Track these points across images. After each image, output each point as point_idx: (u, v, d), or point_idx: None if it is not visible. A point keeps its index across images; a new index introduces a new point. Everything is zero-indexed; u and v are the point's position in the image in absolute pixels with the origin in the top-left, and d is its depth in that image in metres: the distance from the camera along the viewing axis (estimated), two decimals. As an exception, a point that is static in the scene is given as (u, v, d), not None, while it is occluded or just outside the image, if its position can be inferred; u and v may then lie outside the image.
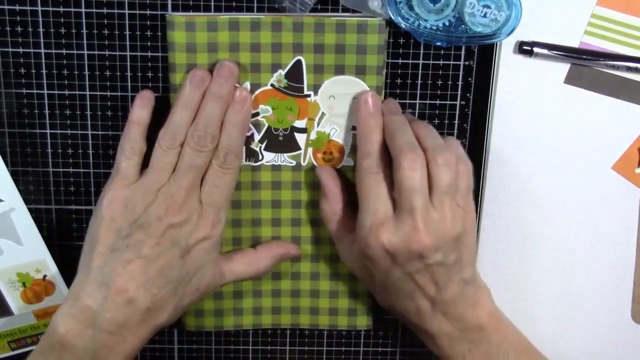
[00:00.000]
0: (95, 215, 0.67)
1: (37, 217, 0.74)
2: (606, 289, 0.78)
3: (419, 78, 0.71)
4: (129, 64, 0.70)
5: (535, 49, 0.69)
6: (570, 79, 0.71)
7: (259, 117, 0.70)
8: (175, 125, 0.66)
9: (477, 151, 0.73)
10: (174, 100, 0.68)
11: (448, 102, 0.72)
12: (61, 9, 0.68)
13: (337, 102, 0.70)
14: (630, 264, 0.77)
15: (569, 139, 0.73)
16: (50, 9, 0.68)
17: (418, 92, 0.71)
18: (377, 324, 0.78)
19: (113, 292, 0.65)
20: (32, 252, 0.73)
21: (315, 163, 0.72)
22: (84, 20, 0.69)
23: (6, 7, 0.68)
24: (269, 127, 0.71)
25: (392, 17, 0.66)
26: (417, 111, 0.72)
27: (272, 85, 0.69)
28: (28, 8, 0.68)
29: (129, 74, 0.70)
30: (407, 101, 0.72)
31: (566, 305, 0.78)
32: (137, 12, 0.68)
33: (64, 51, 0.69)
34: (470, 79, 0.71)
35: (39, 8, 0.68)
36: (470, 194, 0.67)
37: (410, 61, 0.71)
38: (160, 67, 0.70)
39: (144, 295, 0.66)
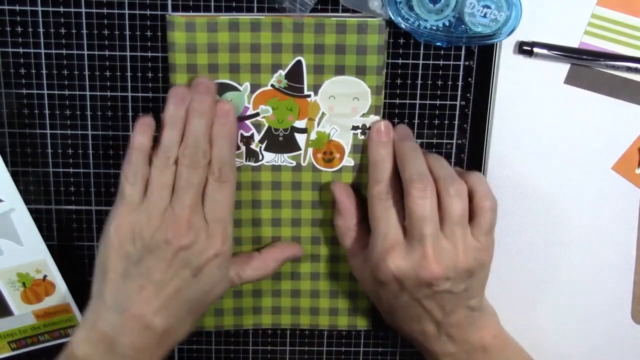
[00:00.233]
0: (103, 242, 0.67)
1: (37, 217, 0.74)
2: (606, 289, 0.77)
3: (419, 78, 0.71)
4: (129, 64, 0.70)
5: (535, 49, 0.69)
6: (570, 79, 0.71)
7: (259, 118, 0.70)
8: (166, 145, 0.66)
9: (477, 151, 0.73)
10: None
11: (448, 102, 0.72)
12: (61, 9, 0.68)
13: (337, 102, 0.70)
14: (630, 264, 0.77)
15: (569, 139, 0.73)
16: (50, 9, 0.68)
17: (418, 92, 0.71)
18: (377, 324, 0.78)
19: (129, 319, 0.66)
20: (32, 252, 0.73)
21: (315, 163, 0.72)
22: (84, 20, 0.69)
23: (6, 7, 0.68)
24: (269, 128, 0.71)
25: (392, 17, 0.66)
26: (417, 111, 0.72)
27: (272, 85, 0.69)
28: (28, 8, 0.68)
29: (129, 74, 0.70)
30: (407, 101, 0.72)
31: (566, 305, 0.78)
32: (137, 12, 0.68)
33: (64, 51, 0.69)
34: (470, 79, 0.71)
35: (39, 8, 0.68)
36: (492, 232, 0.68)
37: (410, 61, 0.71)
38: (160, 67, 0.70)
39: (160, 319, 0.66)
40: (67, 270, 0.76)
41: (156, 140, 0.67)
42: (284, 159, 0.72)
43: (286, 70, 0.69)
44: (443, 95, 0.72)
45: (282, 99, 0.70)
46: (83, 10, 0.68)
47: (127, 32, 0.69)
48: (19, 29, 0.68)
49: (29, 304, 0.75)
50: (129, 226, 0.66)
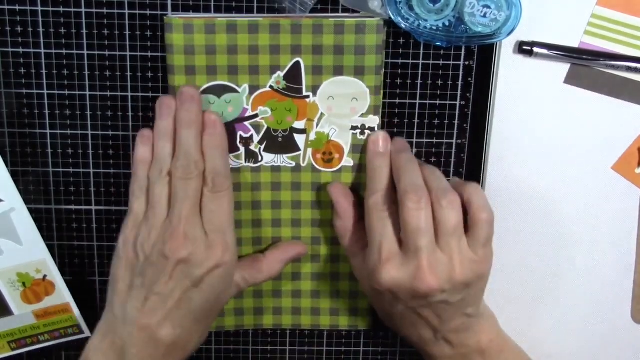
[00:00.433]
0: (114, 254, 0.69)
1: (37, 217, 0.74)
2: (606, 289, 0.77)
3: (419, 78, 0.71)
4: (129, 64, 0.70)
5: (535, 49, 0.69)
6: (570, 79, 0.71)
7: (258, 119, 0.70)
8: (158, 157, 0.67)
9: (477, 151, 0.73)
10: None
11: (448, 102, 0.72)
12: (61, 9, 0.68)
13: (336, 103, 0.70)
14: (630, 264, 0.77)
15: (569, 139, 0.72)
16: (50, 9, 0.68)
17: (418, 92, 0.71)
18: (377, 324, 0.78)
19: (136, 329, 0.66)
20: (32, 252, 0.73)
21: (314, 164, 0.72)
22: (84, 20, 0.69)
23: (6, 7, 0.68)
24: (268, 129, 0.71)
25: (392, 17, 0.66)
26: (417, 111, 0.72)
27: (270, 86, 0.69)
28: (28, 8, 0.68)
29: (129, 74, 0.70)
30: (407, 101, 0.72)
31: (566, 305, 0.78)
32: (137, 12, 0.68)
33: (64, 51, 0.69)
34: (470, 79, 0.71)
35: (39, 8, 0.68)
36: (490, 244, 0.67)
37: (410, 61, 0.71)
38: (160, 67, 0.70)
39: (165, 330, 0.67)
40: (67, 270, 0.76)
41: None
42: (284, 160, 0.72)
43: (285, 72, 0.69)
44: (443, 95, 0.72)
45: (281, 100, 0.70)
46: (83, 10, 0.68)
47: (127, 32, 0.69)
48: (19, 29, 0.68)
49: (29, 303, 0.75)
50: (134, 239, 0.67)
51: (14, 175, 0.72)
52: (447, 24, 0.66)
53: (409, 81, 0.71)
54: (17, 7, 0.68)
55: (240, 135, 0.71)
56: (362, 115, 0.70)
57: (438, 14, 0.66)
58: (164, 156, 0.66)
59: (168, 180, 0.66)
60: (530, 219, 0.75)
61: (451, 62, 0.71)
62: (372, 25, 0.67)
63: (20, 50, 0.69)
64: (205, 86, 0.68)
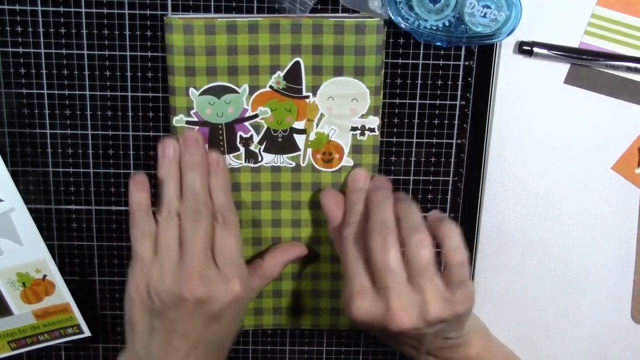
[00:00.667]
0: (126, 299, 0.69)
1: (37, 217, 0.74)
2: (606, 289, 0.78)
3: (419, 78, 0.71)
4: (129, 64, 0.70)
5: (535, 49, 0.69)
6: (570, 79, 0.71)
7: (258, 119, 0.70)
8: (166, 201, 0.67)
9: (477, 151, 0.73)
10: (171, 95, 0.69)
11: (448, 102, 0.72)
12: (61, 9, 0.68)
13: (336, 103, 0.70)
14: (630, 264, 0.77)
15: (569, 139, 0.72)
16: (50, 9, 0.68)
17: (418, 92, 0.71)
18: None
19: None
20: (32, 252, 0.73)
21: (314, 164, 0.72)
22: (84, 20, 0.68)
23: (6, 7, 0.68)
24: (268, 129, 0.71)
25: (392, 17, 0.66)
26: (417, 111, 0.72)
27: (270, 87, 0.69)
28: (28, 8, 0.68)
29: (129, 74, 0.70)
30: (407, 101, 0.72)
31: (566, 305, 0.78)
32: (137, 12, 0.68)
33: (64, 51, 0.69)
34: (470, 79, 0.71)
35: (39, 8, 0.68)
36: (467, 284, 0.65)
37: (410, 61, 0.71)
38: (160, 67, 0.70)
39: None
40: (67, 270, 0.76)
41: (154, 195, 0.69)
42: (284, 160, 0.72)
43: (284, 72, 0.69)
44: (443, 95, 0.72)
45: (281, 100, 0.70)
46: (83, 10, 0.68)
47: (127, 32, 0.69)
48: (19, 29, 0.68)
49: (29, 303, 0.75)
50: (145, 284, 0.67)
51: (14, 175, 0.72)
52: (447, 24, 0.66)
53: (409, 81, 0.71)
54: (17, 7, 0.68)
55: (240, 136, 0.71)
56: (362, 116, 0.70)
57: (438, 14, 0.66)
58: (172, 198, 0.67)
59: (177, 221, 0.67)
60: (530, 219, 0.75)
61: (451, 62, 0.71)
62: (372, 26, 0.67)
63: (20, 50, 0.69)
64: (205, 87, 0.68)
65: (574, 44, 0.70)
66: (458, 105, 0.72)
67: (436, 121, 0.72)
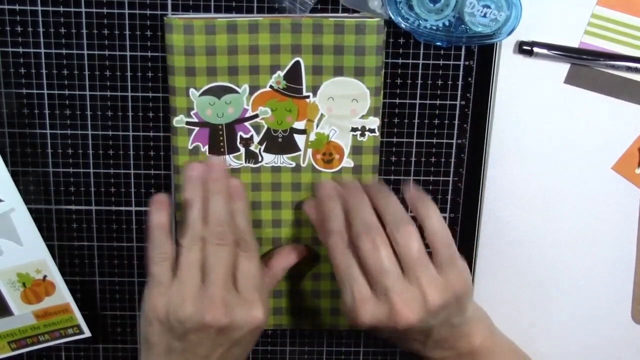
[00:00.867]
0: (142, 319, 0.68)
1: (37, 217, 0.74)
2: (606, 289, 0.78)
3: (419, 78, 0.71)
4: (129, 64, 0.70)
5: (535, 49, 0.69)
6: (570, 79, 0.71)
7: (258, 119, 0.70)
8: (190, 223, 0.67)
9: (477, 151, 0.73)
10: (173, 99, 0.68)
11: (448, 102, 0.72)
12: (61, 9, 0.68)
13: (336, 104, 0.70)
14: (630, 264, 0.77)
15: (569, 139, 0.73)
16: (50, 9, 0.68)
17: (418, 92, 0.71)
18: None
19: None
20: (32, 252, 0.73)
21: (314, 164, 0.72)
22: (84, 20, 0.68)
23: (6, 7, 0.68)
24: (268, 129, 0.71)
25: (392, 17, 0.66)
26: (417, 111, 0.72)
27: (271, 86, 0.69)
28: (28, 8, 0.68)
29: (129, 74, 0.70)
30: (407, 101, 0.72)
31: (566, 305, 0.78)
32: (137, 12, 0.68)
33: (64, 51, 0.69)
34: (470, 79, 0.71)
35: (39, 8, 0.68)
36: (457, 261, 0.66)
37: (410, 61, 0.71)
38: (160, 67, 0.70)
39: None
40: (67, 270, 0.76)
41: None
42: (284, 160, 0.72)
43: (285, 71, 0.69)
44: (443, 95, 0.72)
45: (281, 100, 0.70)
46: (83, 10, 0.68)
47: (127, 32, 0.69)
48: (19, 29, 0.68)
49: (29, 304, 0.75)
50: (164, 307, 0.66)
51: (14, 175, 0.72)
52: (447, 23, 0.66)
53: (409, 81, 0.71)
54: (17, 7, 0.68)
55: (241, 136, 0.71)
56: (363, 117, 0.70)
57: (438, 14, 0.66)
58: (196, 222, 0.67)
59: (200, 245, 0.67)
60: (530, 219, 0.75)
61: (451, 62, 0.71)
62: (372, 26, 0.67)
63: (20, 50, 0.69)
64: (205, 87, 0.68)
65: (574, 44, 0.70)
66: (458, 105, 0.72)
67: (436, 121, 0.72)
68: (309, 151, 0.72)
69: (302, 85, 0.69)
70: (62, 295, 0.76)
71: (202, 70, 0.68)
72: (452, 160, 0.73)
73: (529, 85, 0.71)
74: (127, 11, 0.68)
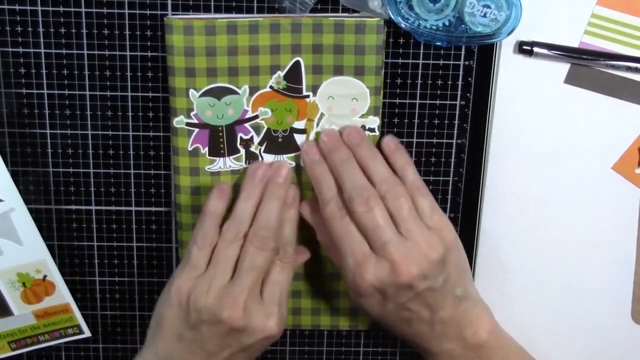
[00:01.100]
0: (164, 296, 0.69)
1: (37, 217, 0.74)
2: (606, 289, 0.77)
3: (419, 78, 0.71)
4: (129, 64, 0.70)
5: (535, 49, 0.69)
6: (570, 79, 0.71)
7: (258, 120, 0.70)
8: (239, 219, 0.67)
9: (477, 151, 0.73)
10: (173, 101, 0.68)
11: (448, 102, 0.72)
12: (61, 9, 0.68)
13: (336, 103, 0.70)
14: (630, 264, 0.77)
15: (569, 139, 0.72)
16: (50, 9, 0.68)
17: (418, 92, 0.71)
18: (377, 324, 0.78)
19: None
20: (32, 252, 0.73)
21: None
22: (84, 20, 0.68)
23: (6, 7, 0.68)
24: (268, 129, 0.71)
25: (392, 17, 0.66)
26: (417, 111, 0.72)
27: (271, 87, 0.69)
28: (28, 8, 0.68)
29: (129, 74, 0.70)
30: (407, 101, 0.72)
31: (566, 305, 0.78)
32: (137, 12, 0.68)
33: (64, 51, 0.69)
34: (470, 79, 0.71)
35: (39, 8, 0.68)
36: (439, 210, 0.69)
37: (410, 61, 0.71)
38: (160, 68, 0.70)
39: None
40: (67, 270, 0.76)
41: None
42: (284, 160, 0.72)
43: (285, 71, 0.69)
44: (443, 95, 0.72)
45: (281, 100, 0.70)
46: (83, 10, 0.68)
47: (127, 32, 0.69)
48: (19, 29, 0.68)
49: (29, 304, 0.75)
50: (189, 291, 0.67)
51: (14, 175, 0.72)
52: (447, 23, 0.66)
53: (409, 81, 0.71)
54: (17, 7, 0.68)
55: (241, 137, 0.71)
56: (362, 116, 0.70)
57: (438, 14, 0.66)
58: (245, 219, 0.67)
59: (241, 243, 0.67)
60: (530, 219, 0.75)
61: (451, 62, 0.71)
62: (372, 25, 0.67)
63: (20, 50, 0.69)
64: (205, 88, 0.68)
65: (574, 44, 0.69)
66: (458, 105, 0.72)
67: (436, 121, 0.72)
68: (309, 151, 0.72)
69: (302, 85, 0.69)
70: (62, 295, 0.76)
71: (202, 71, 0.68)
72: (452, 160, 0.73)
73: (529, 85, 0.71)
74: (127, 11, 0.68)
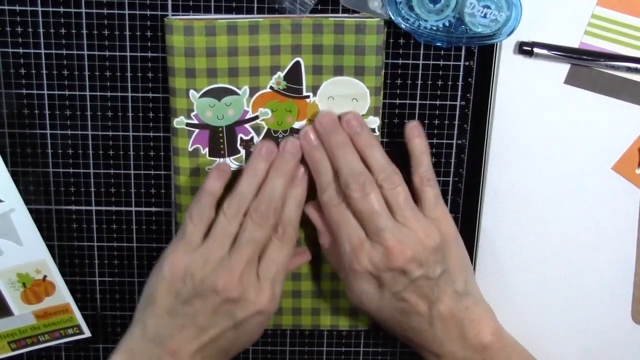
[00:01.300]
0: (155, 273, 0.69)
1: (37, 217, 0.74)
2: (606, 289, 0.77)
3: (419, 78, 0.71)
4: (129, 64, 0.70)
5: (535, 49, 0.69)
6: (570, 79, 0.71)
7: (258, 120, 0.70)
8: (241, 195, 0.67)
9: (477, 151, 0.73)
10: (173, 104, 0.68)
11: (448, 103, 0.72)
12: (61, 9, 0.68)
13: (336, 103, 0.70)
14: (630, 264, 0.77)
15: (569, 139, 0.72)
16: (50, 9, 0.68)
17: (418, 92, 0.71)
18: (377, 324, 0.78)
19: (166, 353, 0.67)
20: (32, 252, 0.73)
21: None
22: (84, 20, 0.68)
23: (6, 7, 0.68)
24: (268, 130, 0.71)
25: (392, 17, 0.66)
26: (417, 111, 0.72)
27: (271, 87, 0.69)
28: (28, 8, 0.68)
29: (129, 74, 0.70)
30: (407, 101, 0.72)
31: (566, 305, 0.78)
32: (137, 12, 0.68)
33: (64, 51, 0.69)
34: (470, 79, 0.71)
35: (39, 8, 0.68)
36: (441, 202, 0.70)
37: (410, 61, 0.71)
38: (160, 68, 0.70)
39: None
40: (67, 270, 0.76)
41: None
42: (284, 160, 0.72)
43: (285, 72, 0.69)
44: (443, 95, 0.72)
45: (281, 101, 0.70)
46: (83, 10, 0.68)
47: (127, 33, 0.69)
48: (19, 29, 0.68)
49: (29, 304, 0.75)
50: (184, 266, 0.67)
51: (14, 175, 0.72)
52: (447, 24, 0.66)
53: (409, 82, 0.71)
54: (17, 7, 0.68)
55: (241, 138, 0.71)
56: (363, 116, 0.70)
57: (438, 15, 0.66)
58: (247, 196, 0.67)
59: (241, 219, 0.67)
60: (530, 219, 0.75)
61: (451, 63, 0.71)
62: (372, 26, 0.67)
63: (20, 50, 0.69)
64: (205, 89, 0.68)
65: (574, 44, 0.69)
66: (458, 106, 0.72)
67: (436, 121, 0.72)
68: (309, 151, 0.72)
69: (302, 85, 0.69)
70: (62, 295, 0.76)
71: (202, 72, 0.68)
72: (452, 160, 0.73)
73: (529, 86, 0.71)
74: (127, 12, 0.68)
